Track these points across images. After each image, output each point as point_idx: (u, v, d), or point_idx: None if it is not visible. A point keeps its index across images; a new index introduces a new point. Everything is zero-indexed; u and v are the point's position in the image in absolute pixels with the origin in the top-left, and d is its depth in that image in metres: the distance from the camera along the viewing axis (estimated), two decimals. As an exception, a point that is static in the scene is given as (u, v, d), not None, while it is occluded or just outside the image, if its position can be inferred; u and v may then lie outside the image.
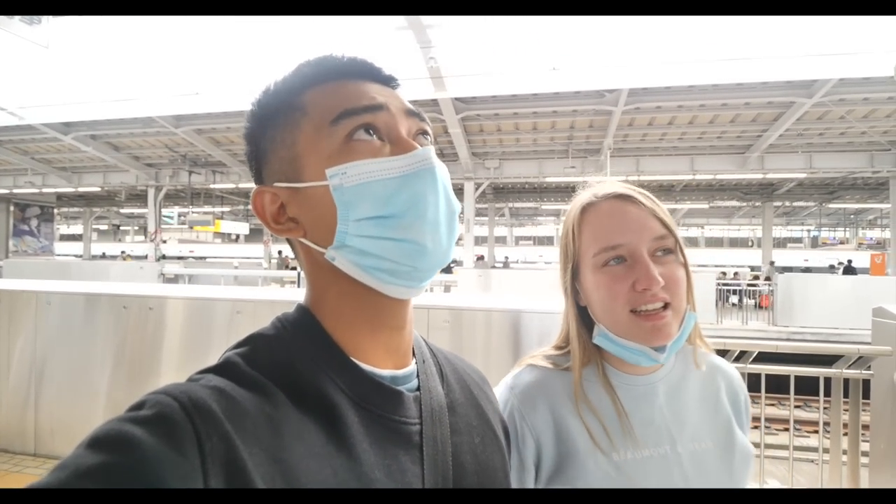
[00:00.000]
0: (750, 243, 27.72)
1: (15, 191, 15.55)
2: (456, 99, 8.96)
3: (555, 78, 6.62)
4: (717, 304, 9.87)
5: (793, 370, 2.32)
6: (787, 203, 16.66)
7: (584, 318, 0.72)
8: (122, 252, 22.59)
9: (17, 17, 1.75)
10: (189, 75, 7.56)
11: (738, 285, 11.03)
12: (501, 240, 29.08)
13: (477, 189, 12.22)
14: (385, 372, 0.48)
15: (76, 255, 22.72)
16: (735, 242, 29.93)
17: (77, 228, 26.93)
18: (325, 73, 0.48)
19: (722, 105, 8.91)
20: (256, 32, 5.96)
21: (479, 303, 2.75)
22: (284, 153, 0.47)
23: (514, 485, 0.67)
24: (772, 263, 14.54)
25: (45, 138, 11.90)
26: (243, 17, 5.30)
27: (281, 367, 0.43)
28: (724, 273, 15.01)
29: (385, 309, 0.48)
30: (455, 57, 6.66)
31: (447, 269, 13.63)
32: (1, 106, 9.18)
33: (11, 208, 16.11)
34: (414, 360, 0.52)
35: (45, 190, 15.52)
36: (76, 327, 3.08)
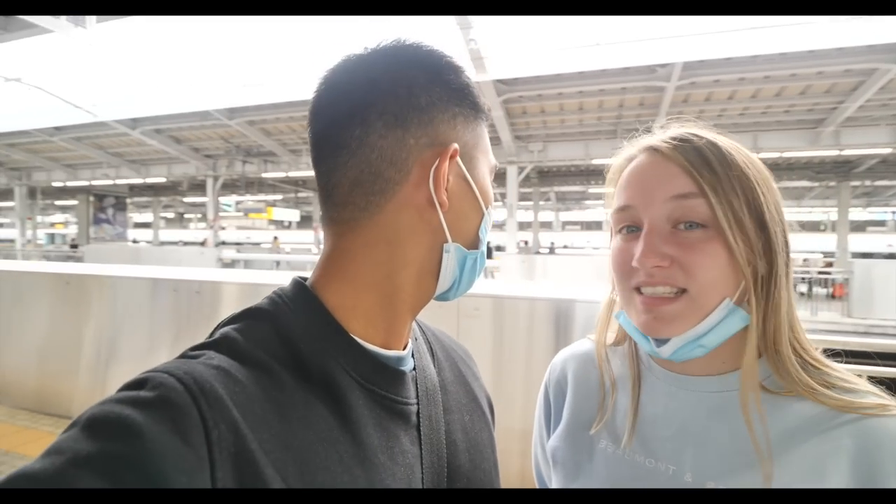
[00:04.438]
0: (822, 227, 25.48)
1: (93, 182, 17.03)
2: (497, 81, 8.76)
3: (599, 55, 6.30)
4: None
5: (865, 370, 2.08)
6: (868, 182, 15.09)
7: None
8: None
9: (63, 19, 1.88)
10: (240, 70, 7.88)
11: (808, 273, 10.18)
12: (547, 225, 28.48)
13: (520, 173, 11.97)
14: (390, 353, 0.47)
15: (147, 241, 24.64)
16: (805, 226, 27.68)
17: (147, 216, 29.13)
18: (473, 101, 0.49)
19: (790, 76, 8.12)
20: (301, 26, 6.08)
21: (521, 291, 2.65)
22: (469, 138, 0.48)
23: (535, 429, 0.73)
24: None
25: (116, 133, 12.86)
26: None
27: (282, 344, 0.41)
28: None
29: (419, 303, 0.49)
30: (496, 37, 6.51)
31: (488, 255, 13.57)
32: (78, 104, 10.02)
33: (91, 199, 17.67)
34: (409, 340, 0.52)
35: (118, 181, 16.88)
36: (135, 309, 3.34)
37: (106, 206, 18.35)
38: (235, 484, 0.32)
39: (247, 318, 0.44)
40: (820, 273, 10.35)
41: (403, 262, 0.46)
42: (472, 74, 0.50)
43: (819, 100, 9.05)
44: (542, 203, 18.05)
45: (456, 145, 0.46)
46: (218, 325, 0.44)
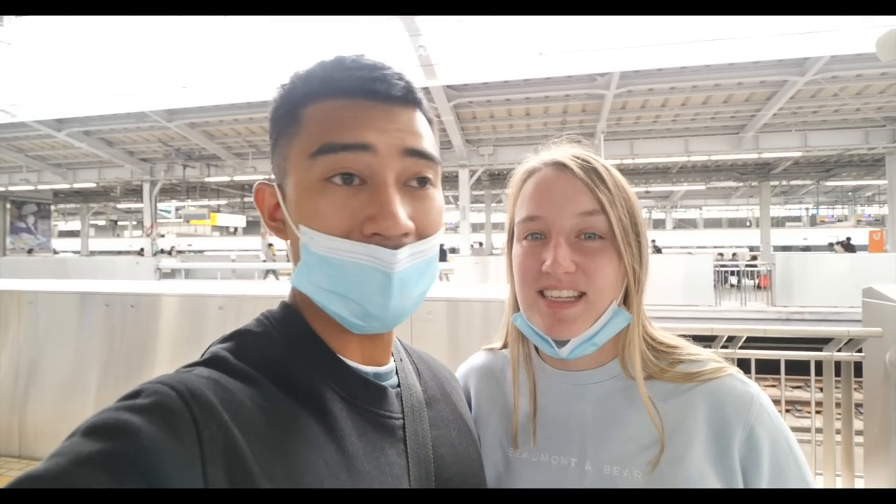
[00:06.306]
0: (748, 223, 27.67)
1: (11, 188, 15.53)
2: (447, 86, 8.90)
3: (544, 63, 6.58)
4: (715, 286, 9.89)
5: (783, 354, 2.27)
6: (785, 182, 16.58)
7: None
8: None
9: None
10: (179, 69, 7.51)
11: (737, 266, 11.04)
12: (499, 226, 29.04)
13: (472, 176, 12.19)
14: (368, 369, 0.50)
15: (74, 252, 22.76)
16: (734, 223, 29.89)
17: (75, 224, 26.92)
18: (331, 85, 0.45)
19: (714, 86, 8.85)
20: (246, 26, 5.91)
21: (475, 293, 2.58)
22: (280, 161, 0.47)
23: None
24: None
25: (38, 135, 11.86)
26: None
27: (270, 362, 0.44)
28: (722, 254, 15.05)
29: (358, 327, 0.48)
30: (445, 44, 6.62)
31: (442, 257, 13.60)
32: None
33: (8, 206, 16.10)
34: (392, 359, 0.54)
35: (40, 187, 15.47)
36: (60, 327, 2.97)
37: (25, 213, 16.79)
38: (225, 480, 0.34)
39: (235, 338, 0.46)
40: (747, 266, 11.24)
41: None
42: (422, 80, 0.50)
43: (740, 108, 9.89)
44: (494, 205, 18.39)
45: (261, 179, 0.50)
46: (209, 347, 0.46)
